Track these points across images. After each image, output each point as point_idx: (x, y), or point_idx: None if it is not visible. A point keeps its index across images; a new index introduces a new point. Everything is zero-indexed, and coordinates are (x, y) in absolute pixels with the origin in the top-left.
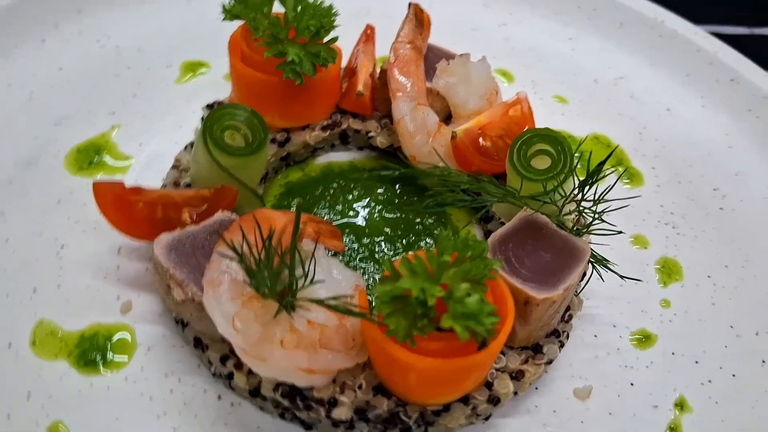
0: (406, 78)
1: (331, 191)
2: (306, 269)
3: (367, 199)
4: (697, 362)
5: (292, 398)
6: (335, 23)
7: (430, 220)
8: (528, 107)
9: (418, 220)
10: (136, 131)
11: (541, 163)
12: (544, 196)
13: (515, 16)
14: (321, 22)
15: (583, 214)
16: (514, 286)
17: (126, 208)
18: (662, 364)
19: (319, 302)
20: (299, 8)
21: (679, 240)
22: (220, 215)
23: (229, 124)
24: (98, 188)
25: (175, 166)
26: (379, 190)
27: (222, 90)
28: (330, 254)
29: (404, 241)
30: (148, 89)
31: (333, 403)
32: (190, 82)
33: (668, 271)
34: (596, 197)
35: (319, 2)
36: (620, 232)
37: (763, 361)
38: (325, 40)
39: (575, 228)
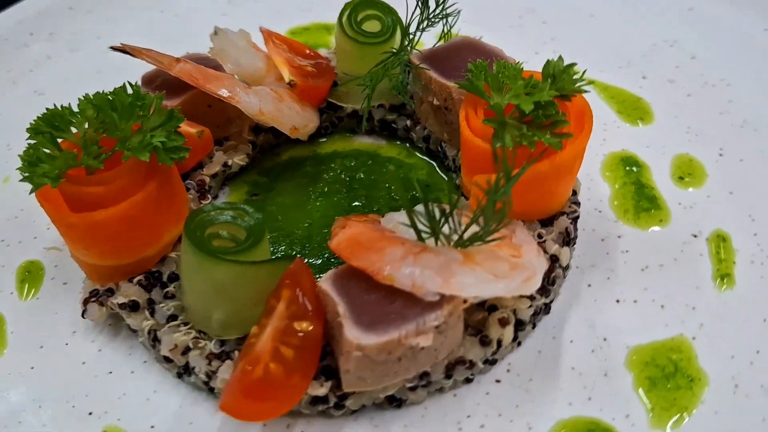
0: (218, 82)
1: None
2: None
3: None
4: None
5: None
6: None
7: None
8: (265, 29)
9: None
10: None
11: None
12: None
13: None
14: (138, 95)
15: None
16: None
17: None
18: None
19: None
20: (93, 114)
21: None
22: (329, 282)
23: (210, 234)
24: None
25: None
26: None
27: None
28: None
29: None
30: None
31: None
32: None
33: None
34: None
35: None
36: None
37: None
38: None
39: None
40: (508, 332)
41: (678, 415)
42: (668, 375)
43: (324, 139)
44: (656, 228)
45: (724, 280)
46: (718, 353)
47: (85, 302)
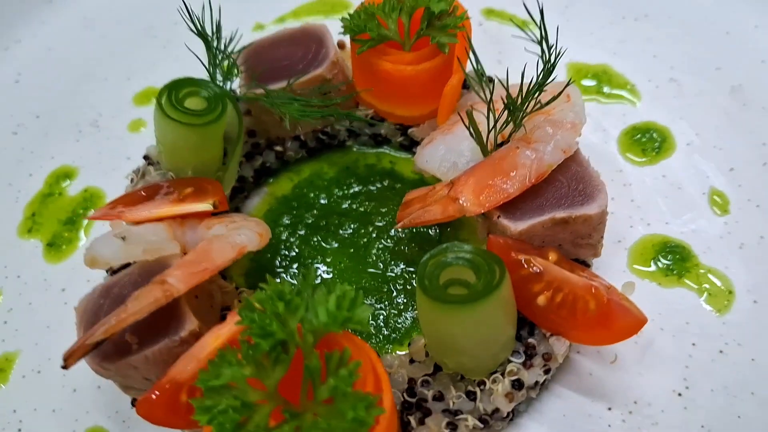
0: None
1: None
2: None
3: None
4: None
5: None
6: None
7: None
8: (101, 210)
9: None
10: None
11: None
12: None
13: None
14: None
15: None
16: None
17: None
18: None
19: None
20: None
21: None
22: (520, 224)
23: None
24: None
25: None
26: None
27: None
28: None
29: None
30: None
31: None
32: None
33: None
34: None
35: None
36: None
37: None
38: None
39: None
40: None
41: None
42: None
43: None
44: None
45: None
46: None
47: None
